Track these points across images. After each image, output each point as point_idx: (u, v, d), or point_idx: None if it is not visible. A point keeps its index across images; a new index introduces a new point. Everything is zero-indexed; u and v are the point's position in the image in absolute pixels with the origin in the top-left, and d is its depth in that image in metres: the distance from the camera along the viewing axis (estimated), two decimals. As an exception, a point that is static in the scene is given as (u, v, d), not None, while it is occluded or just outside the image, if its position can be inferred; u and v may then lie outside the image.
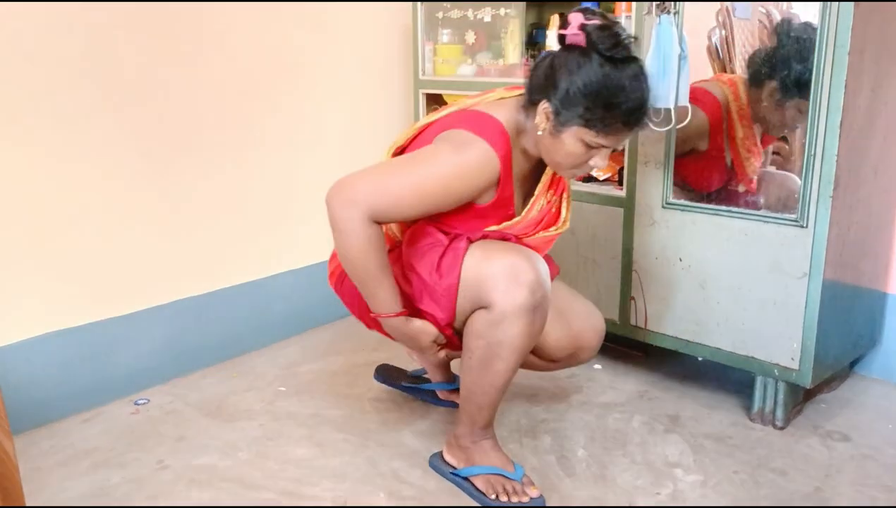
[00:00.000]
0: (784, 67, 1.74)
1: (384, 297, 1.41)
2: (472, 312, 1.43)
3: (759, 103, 1.86)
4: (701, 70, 1.87)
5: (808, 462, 1.67)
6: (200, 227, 2.11)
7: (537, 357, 1.68)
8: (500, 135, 1.40)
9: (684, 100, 1.79)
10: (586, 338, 1.67)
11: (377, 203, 1.33)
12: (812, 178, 1.63)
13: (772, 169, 1.94)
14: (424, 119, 1.54)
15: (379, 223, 1.36)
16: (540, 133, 1.39)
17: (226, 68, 2.09)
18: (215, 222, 2.15)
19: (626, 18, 1.89)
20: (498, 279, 1.37)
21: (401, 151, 1.55)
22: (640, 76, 1.34)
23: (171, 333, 2.08)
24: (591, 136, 1.35)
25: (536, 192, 1.52)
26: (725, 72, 1.90)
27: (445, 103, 2.38)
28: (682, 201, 1.87)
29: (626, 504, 1.52)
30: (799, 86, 1.71)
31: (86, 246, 1.88)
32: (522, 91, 1.45)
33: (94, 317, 1.91)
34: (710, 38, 1.87)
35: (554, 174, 1.53)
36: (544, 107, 1.37)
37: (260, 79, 2.18)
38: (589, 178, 2.14)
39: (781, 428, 1.81)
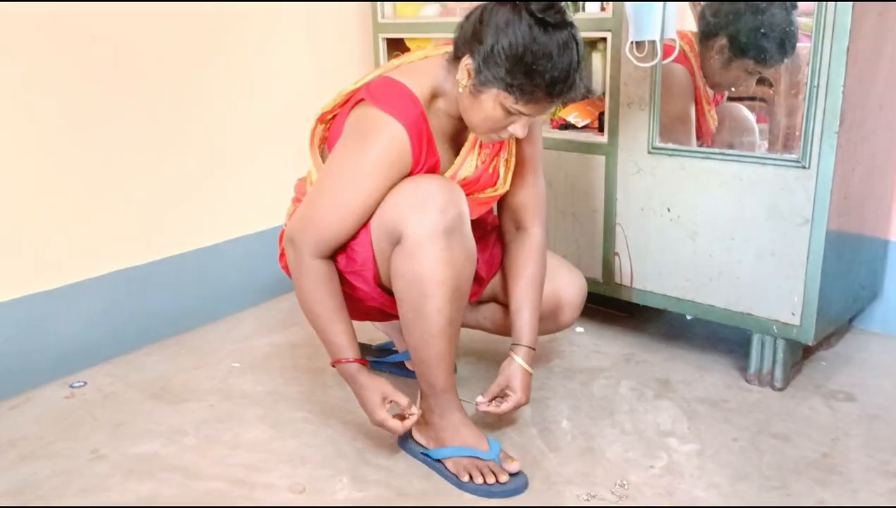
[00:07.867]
0: (736, 22, 1.64)
1: (338, 341, 1.35)
2: None
3: (707, 59, 1.74)
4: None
5: (812, 426, 1.53)
6: (140, 188, 1.90)
7: None
8: (409, 102, 1.30)
9: (671, 32, 1.61)
10: (568, 293, 1.57)
11: (309, 236, 1.31)
12: (815, 113, 1.46)
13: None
14: (350, 85, 1.41)
15: (328, 255, 1.34)
16: (461, 90, 1.28)
17: (168, 7, 1.87)
18: (157, 182, 1.93)
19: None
20: (404, 207, 1.27)
21: (328, 117, 1.45)
22: (571, 44, 1.21)
23: (110, 308, 1.88)
24: (510, 102, 1.24)
25: (463, 151, 1.41)
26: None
27: (408, 49, 2.19)
28: (671, 145, 1.70)
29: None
30: (749, 47, 1.64)
31: (9, 211, 1.66)
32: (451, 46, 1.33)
33: (21, 292, 1.71)
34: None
35: None
36: (467, 62, 1.25)
37: (204, 22, 1.96)
38: (566, 125, 1.96)
39: (781, 389, 1.67)
